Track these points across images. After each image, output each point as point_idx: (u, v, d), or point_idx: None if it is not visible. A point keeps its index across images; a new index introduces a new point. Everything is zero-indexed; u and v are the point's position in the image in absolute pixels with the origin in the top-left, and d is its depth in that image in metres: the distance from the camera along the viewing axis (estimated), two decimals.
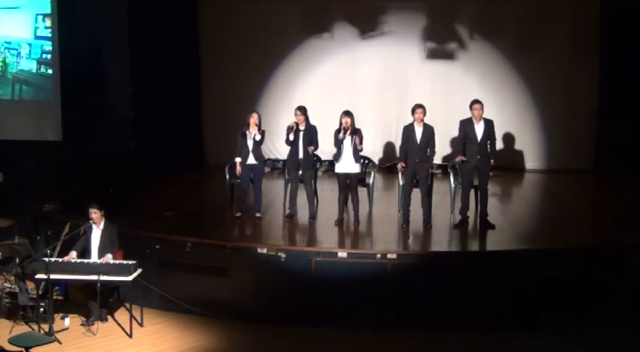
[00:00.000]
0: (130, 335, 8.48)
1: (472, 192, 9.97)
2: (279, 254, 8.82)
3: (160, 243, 9.24)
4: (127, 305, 8.94)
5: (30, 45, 11.72)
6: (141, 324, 8.74)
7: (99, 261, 8.61)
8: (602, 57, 13.07)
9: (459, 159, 9.94)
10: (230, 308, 8.95)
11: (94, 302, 8.72)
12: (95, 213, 8.79)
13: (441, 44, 13.55)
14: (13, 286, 9.24)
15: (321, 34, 13.79)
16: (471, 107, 9.63)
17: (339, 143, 9.73)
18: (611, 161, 12.87)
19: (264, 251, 8.88)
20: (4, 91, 11.92)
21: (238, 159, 10.14)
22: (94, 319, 8.80)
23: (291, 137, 9.89)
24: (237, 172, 10.19)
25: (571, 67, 13.22)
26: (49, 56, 11.61)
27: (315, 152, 10.15)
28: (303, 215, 10.24)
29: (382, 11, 13.56)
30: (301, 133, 9.94)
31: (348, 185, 9.94)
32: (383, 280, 8.64)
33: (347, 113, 9.68)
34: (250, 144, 9.99)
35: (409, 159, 9.66)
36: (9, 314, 8.91)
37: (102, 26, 10.20)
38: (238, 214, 10.23)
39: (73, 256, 8.71)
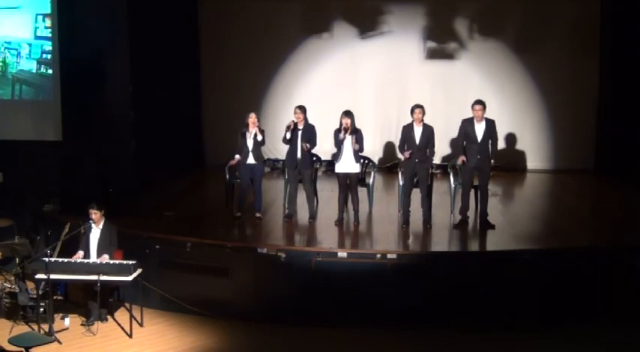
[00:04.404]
0: (130, 335, 8.47)
1: (472, 192, 9.97)
2: (279, 254, 8.81)
3: (160, 243, 9.24)
4: (127, 305, 8.94)
5: (30, 45, 11.71)
6: (141, 324, 8.74)
7: (98, 261, 8.61)
8: (603, 57, 13.08)
9: (460, 160, 9.92)
10: (230, 308, 8.94)
11: (94, 302, 8.72)
12: (95, 214, 8.78)
13: (441, 44, 13.55)
14: (13, 286, 9.23)
15: (320, 34, 13.79)
16: (472, 107, 9.61)
17: (339, 143, 9.72)
18: (611, 161, 12.88)
19: (264, 251, 8.88)
20: (4, 91, 11.91)
21: (237, 157, 10.15)
22: (94, 319, 8.80)
23: (288, 135, 9.87)
24: (230, 163, 10.20)
25: (571, 67, 13.22)
26: (49, 56, 11.60)
27: (312, 151, 10.08)
28: (303, 215, 10.25)
29: (382, 11, 13.56)
30: (299, 132, 9.92)
31: (348, 185, 9.93)
32: (383, 280, 8.63)
33: (347, 113, 9.67)
34: (250, 144, 9.99)
35: (409, 159, 9.65)
36: (9, 314, 8.91)
37: (102, 26, 10.22)
38: (238, 214, 10.23)
39: (79, 256, 8.72)
